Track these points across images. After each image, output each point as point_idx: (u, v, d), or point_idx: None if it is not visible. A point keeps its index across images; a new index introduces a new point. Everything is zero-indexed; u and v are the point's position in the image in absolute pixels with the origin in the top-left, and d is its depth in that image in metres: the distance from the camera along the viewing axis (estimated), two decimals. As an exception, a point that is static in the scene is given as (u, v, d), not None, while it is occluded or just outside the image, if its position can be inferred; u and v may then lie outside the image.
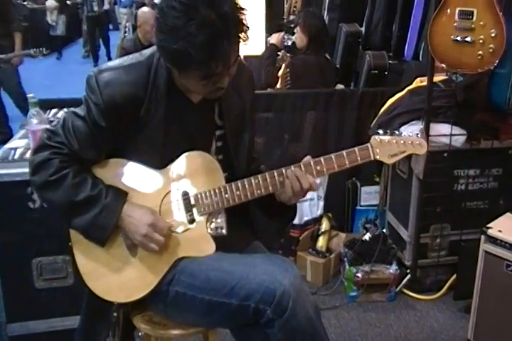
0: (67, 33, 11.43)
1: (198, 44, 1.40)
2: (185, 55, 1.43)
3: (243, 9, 1.49)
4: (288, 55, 4.11)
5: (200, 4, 1.41)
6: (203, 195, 1.67)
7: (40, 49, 5.12)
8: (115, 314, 1.78)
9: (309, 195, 3.28)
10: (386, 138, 1.70)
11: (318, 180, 3.25)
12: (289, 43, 4.13)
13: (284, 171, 1.67)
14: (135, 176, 1.68)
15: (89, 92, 1.60)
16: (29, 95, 2.62)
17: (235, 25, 1.46)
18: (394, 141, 1.70)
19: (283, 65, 3.95)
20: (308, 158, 1.69)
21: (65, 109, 2.84)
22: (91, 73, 1.61)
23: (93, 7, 10.61)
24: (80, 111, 1.63)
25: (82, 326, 1.87)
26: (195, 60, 1.43)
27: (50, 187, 1.62)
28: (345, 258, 3.16)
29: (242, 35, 1.48)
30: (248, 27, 1.50)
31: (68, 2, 11.94)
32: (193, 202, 1.68)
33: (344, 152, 1.67)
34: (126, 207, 1.64)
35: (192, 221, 1.68)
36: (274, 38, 4.13)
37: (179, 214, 1.68)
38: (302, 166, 1.67)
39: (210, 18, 1.40)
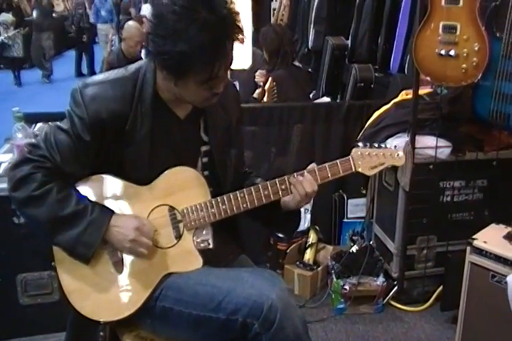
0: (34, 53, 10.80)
1: (201, 45, 1.43)
2: (189, 58, 1.45)
3: (238, 13, 1.53)
4: (263, 71, 4.20)
5: (201, 8, 1.45)
6: (189, 209, 1.67)
7: None
8: (102, 333, 1.75)
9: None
10: (366, 150, 1.73)
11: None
12: None
13: (268, 185, 1.68)
14: (120, 192, 1.67)
15: (74, 106, 1.60)
16: (14, 109, 2.60)
17: (233, 27, 1.50)
18: (374, 153, 1.73)
19: (269, 79, 3.98)
20: (313, 165, 1.72)
21: (50, 123, 2.82)
22: (75, 87, 1.61)
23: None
24: (64, 124, 1.62)
25: None
26: (200, 62, 1.46)
27: (34, 202, 1.59)
28: (333, 271, 3.15)
29: (239, 36, 1.52)
30: (243, 29, 1.53)
31: (54, 15, 11.91)
32: (179, 217, 1.67)
33: (327, 165, 1.71)
34: (112, 219, 1.62)
35: (179, 236, 1.68)
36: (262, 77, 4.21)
37: (166, 230, 1.68)
38: (286, 179, 1.69)
39: (212, 20, 1.44)
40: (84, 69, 11.25)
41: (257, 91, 4.21)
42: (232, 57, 1.55)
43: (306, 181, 1.68)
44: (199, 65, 1.48)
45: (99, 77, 1.66)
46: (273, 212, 1.75)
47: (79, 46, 11.39)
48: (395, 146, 1.78)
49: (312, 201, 3.37)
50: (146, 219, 1.66)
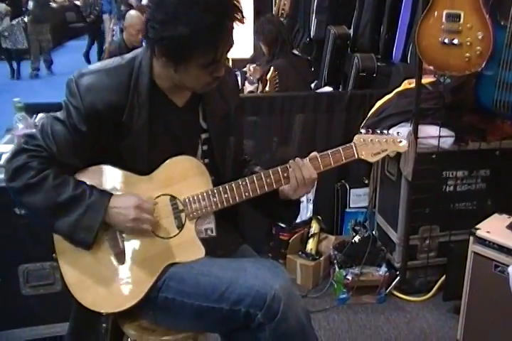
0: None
1: (205, 26, 1.43)
2: (191, 41, 1.44)
3: None
4: (257, 66, 4.21)
5: None
6: (191, 199, 1.66)
7: None
8: (104, 325, 1.75)
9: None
10: (368, 137, 1.72)
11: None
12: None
13: (270, 173, 1.67)
14: (120, 182, 1.66)
15: (70, 96, 1.58)
16: (15, 99, 2.58)
17: (233, 7, 1.49)
18: (376, 140, 1.72)
19: (271, 68, 3.97)
20: (314, 153, 1.71)
21: (47, 114, 2.80)
22: (71, 77, 1.60)
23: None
24: (60, 115, 1.61)
25: (70, 337, 1.82)
26: (202, 44, 1.45)
27: (31, 190, 1.57)
28: (335, 261, 3.16)
29: (239, 16, 1.50)
30: (242, 9, 1.52)
31: (54, 5, 11.74)
32: (181, 207, 1.66)
33: (329, 151, 1.70)
34: (111, 200, 1.60)
35: (181, 226, 1.67)
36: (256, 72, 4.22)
37: (168, 220, 1.67)
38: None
39: (212, 1, 1.43)
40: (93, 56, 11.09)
41: (250, 87, 4.22)
42: (232, 39, 1.53)
43: (305, 167, 1.66)
44: (202, 48, 1.46)
45: (94, 66, 1.64)
46: (272, 201, 1.74)
47: (94, 34, 11.19)
48: (398, 133, 1.78)
49: (314, 191, 3.41)
50: (144, 195, 1.64)
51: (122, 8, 10.54)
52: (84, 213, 1.58)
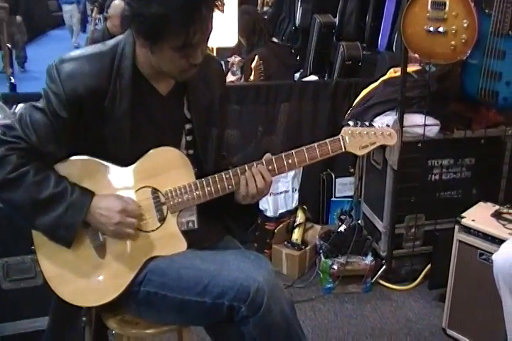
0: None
1: (177, 6, 1.39)
2: (163, 20, 1.41)
3: None
4: (240, 58, 4.21)
5: None
6: (173, 192, 1.63)
7: None
8: (84, 319, 1.73)
9: (284, 187, 3.32)
10: (357, 129, 1.69)
11: (292, 172, 3.29)
12: None
13: (255, 164, 1.65)
14: (100, 174, 1.63)
15: (50, 83, 1.55)
16: None
17: None
18: (364, 132, 1.69)
19: (255, 57, 3.95)
20: (268, 155, 1.67)
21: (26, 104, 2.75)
22: (52, 63, 1.57)
23: None
24: (39, 103, 1.58)
25: (50, 331, 1.80)
26: (174, 24, 1.41)
27: (10, 186, 1.54)
28: (321, 250, 3.15)
29: (218, 2, 1.47)
30: None
31: None
32: (162, 199, 1.64)
33: (315, 144, 1.66)
34: (93, 200, 1.58)
35: (162, 219, 1.64)
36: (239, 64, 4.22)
37: (149, 213, 1.64)
38: (273, 160, 1.65)
39: None
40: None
41: (232, 77, 4.22)
42: (211, 25, 1.50)
43: (259, 175, 1.63)
44: (173, 29, 1.43)
45: (75, 52, 1.61)
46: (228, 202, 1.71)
47: None
48: (387, 125, 1.74)
49: (300, 180, 3.40)
50: (129, 197, 1.62)
51: None
52: (66, 211, 1.55)
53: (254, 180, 1.63)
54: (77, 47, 9.38)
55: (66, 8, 10.32)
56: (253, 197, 1.65)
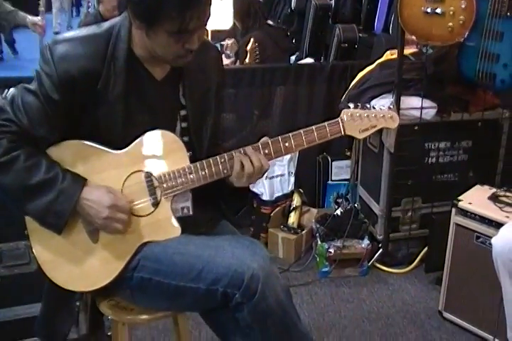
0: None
1: None
2: (159, 3, 1.38)
3: None
4: (234, 41, 4.19)
5: None
6: (167, 176, 1.61)
7: None
8: (78, 303, 1.71)
9: (280, 171, 3.30)
10: (357, 111, 1.65)
11: (288, 156, 3.27)
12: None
13: (251, 148, 1.62)
14: (94, 158, 1.60)
15: (43, 64, 1.53)
16: None
17: None
18: (365, 115, 1.65)
19: (251, 40, 3.91)
20: (265, 138, 1.64)
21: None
22: (45, 44, 1.54)
23: None
24: (31, 86, 1.55)
25: (43, 316, 1.79)
26: (170, 8, 1.38)
27: (0, 169, 1.52)
28: (317, 234, 3.15)
29: None
30: None
31: None
32: (156, 183, 1.61)
33: (314, 127, 1.63)
34: (83, 190, 1.56)
35: (156, 203, 1.62)
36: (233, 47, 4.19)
37: (142, 197, 1.62)
38: (270, 143, 1.62)
39: None
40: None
41: (226, 61, 4.18)
42: (208, 12, 1.46)
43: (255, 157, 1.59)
44: (168, 13, 1.40)
45: (70, 33, 1.58)
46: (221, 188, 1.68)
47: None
48: (389, 107, 1.69)
49: (296, 163, 3.38)
50: (120, 191, 1.60)
51: None
52: (56, 198, 1.53)
53: (251, 160, 1.59)
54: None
55: None
56: (249, 177, 1.61)
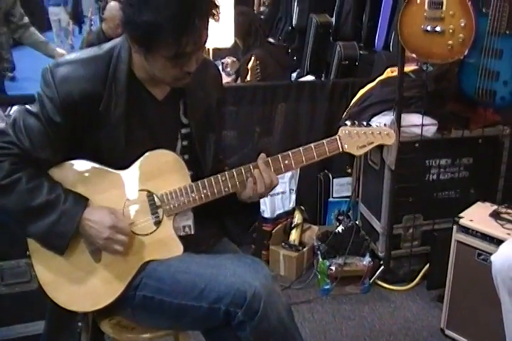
0: None
1: (169, 16, 1.37)
2: (156, 28, 1.39)
3: None
4: (234, 59, 4.20)
5: None
6: (169, 195, 1.62)
7: None
8: (80, 324, 1.71)
9: (281, 188, 3.31)
10: (354, 129, 1.67)
11: (289, 173, 3.27)
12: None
13: (251, 167, 1.63)
14: (95, 178, 1.61)
15: (44, 87, 1.54)
16: None
17: (206, 2, 1.43)
18: (362, 132, 1.68)
19: (252, 58, 3.94)
20: (262, 155, 1.65)
21: (19, 107, 2.69)
22: (46, 66, 1.55)
23: None
24: (33, 108, 1.56)
25: (46, 336, 1.78)
26: (166, 33, 1.39)
27: (2, 192, 1.53)
28: (319, 251, 3.13)
29: (213, 12, 1.45)
30: (219, 6, 1.46)
31: None
32: (158, 202, 1.62)
33: (312, 145, 1.65)
34: (85, 211, 1.56)
35: (158, 222, 1.63)
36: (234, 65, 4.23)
37: (144, 216, 1.62)
38: (270, 161, 1.64)
39: None
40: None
41: (226, 78, 4.21)
42: (206, 34, 1.47)
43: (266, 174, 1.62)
44: (165, 38, 1.41)
45: (71, 56, 1.59)
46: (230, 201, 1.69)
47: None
48: (385, 124, 1.73)
49: (297, 181, 3.39)
50: (121, 212, 1.61)
51: None
52: (59, 219, 1.54)
53: (263, 177, 1.61)
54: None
55: (53, 10, 9.76)
56: (260, 192, 1.63)
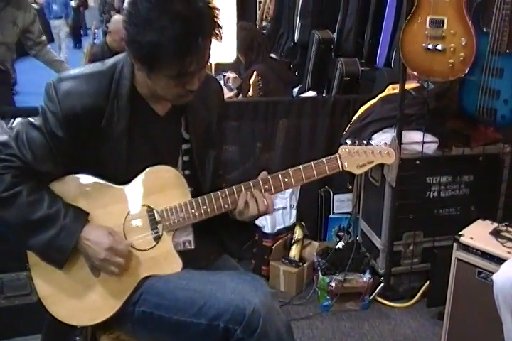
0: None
1: (172, 36, 1.37)
2: (159, 48, 1.39)
3: (216, 8, 1.47)
4: (233, 73, 4.24)
5: None
6: (169, 210, 1.62)
7: None
8: (78, 338, 1.71)
9: (281, 204, 3.31)
10: (354, 148, 1.68)
11: (290, 189, 3.27)
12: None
13: (251, 185, 1.63)
14: (96, 193, 1.62)
15: (47, 101, 1.55)
16: None
17: (209, 22, 1.44)
18: (362, 151, 1.68)
19: (254, 73, 3.96)
20: (264, 173, 1.66)
21: (22, 120, 2.70)
22: (50, 81, 1.56)
23: None
24: (36, 121, 1.57)
25: None
26: (170, 54, 1.40)
27: (3, 204, 1.54)
28: (319, 267, 3.13)
29: (216, 32, 1.46)
30: (221, 26, 1.47)
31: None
32: (158, 218, 1.62)
33: (312, 163, 1.66)
34: (84, 229, 1.57)
35: (157, 238, 1.63)
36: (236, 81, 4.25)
37: (144, 232, 1.63)
38: (270, 179, 1.64)
39: (185, 11, 1.38)
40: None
41: (228, 93, 4.24)
42: (208, 53, 1.48)
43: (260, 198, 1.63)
44: (168, 58, 1.42)
45: (74, 71, 1.61)
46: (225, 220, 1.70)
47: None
48: (385, 143, 1.73)
49: (298, 196, 3.39)
50: (121, 233, 1.61)
51: (112, 13, 10.11)
52: (58, 234, 1.55)
53: (256, 202, 1.62)
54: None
55: (54, 23, 9.94)
56: (252, 216, 1.64)
